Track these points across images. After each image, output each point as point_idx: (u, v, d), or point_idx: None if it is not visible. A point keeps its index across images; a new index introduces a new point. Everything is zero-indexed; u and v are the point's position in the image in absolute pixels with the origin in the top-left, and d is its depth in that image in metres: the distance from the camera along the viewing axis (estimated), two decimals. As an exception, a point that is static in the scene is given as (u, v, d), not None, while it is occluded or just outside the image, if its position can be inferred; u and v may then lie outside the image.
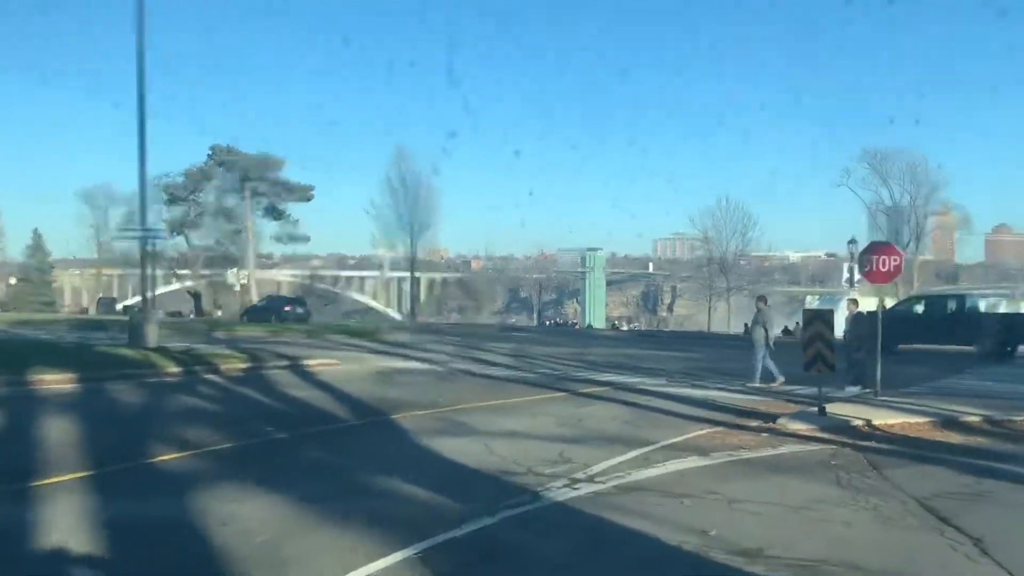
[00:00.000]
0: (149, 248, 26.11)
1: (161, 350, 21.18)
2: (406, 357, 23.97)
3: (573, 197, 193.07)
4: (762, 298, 19.39)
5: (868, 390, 15.46)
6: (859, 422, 11.76)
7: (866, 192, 53.32)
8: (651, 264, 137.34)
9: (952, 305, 28.30)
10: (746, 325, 17.37)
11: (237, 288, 71.70)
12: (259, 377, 17.79)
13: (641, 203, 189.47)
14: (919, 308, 27.86)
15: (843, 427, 11.52)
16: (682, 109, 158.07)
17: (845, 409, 12.77)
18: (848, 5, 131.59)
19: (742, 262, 59.02)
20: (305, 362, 20.63)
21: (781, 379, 16.80)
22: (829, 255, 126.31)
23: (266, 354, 21.97)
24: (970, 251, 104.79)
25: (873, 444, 10.40)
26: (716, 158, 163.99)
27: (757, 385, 16.78)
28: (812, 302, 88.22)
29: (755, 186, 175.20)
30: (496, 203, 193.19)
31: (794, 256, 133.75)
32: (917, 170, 51.07)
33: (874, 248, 15.12)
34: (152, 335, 22.71)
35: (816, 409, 12.36)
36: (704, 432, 11.15)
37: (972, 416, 12.20)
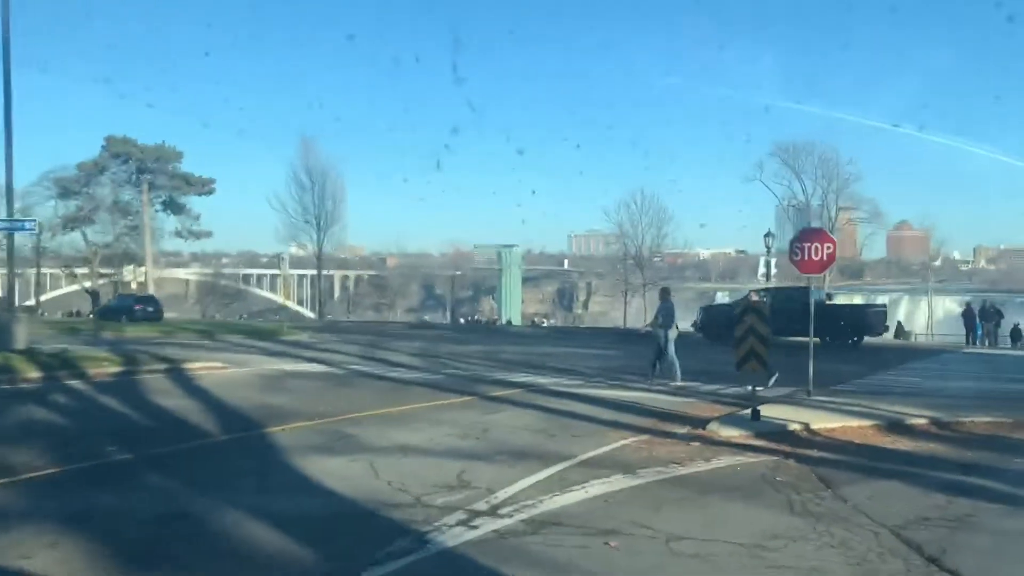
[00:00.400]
0: (36, 244, 23.75)
1: (28, 353, 19.01)
2: (303, 358, 22.06)
3: (489, 193, 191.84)
4: (666, 290, 18.29)
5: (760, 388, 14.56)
6: (797, 426, 10.55)
7: (779, 187, 53.23)
8: (566, 261, 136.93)
9: (797, 297, 28.15)
10: (657, 319, 16.23)
11: (134, 286, 67.90)
12: (130, 383, 15.76)
13: (557, 199, 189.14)
14: (767, 301, 27.62)
15: (780, 433, 10.28)
16: (596, 104, 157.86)
17: (779, 411, 11.55)
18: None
19: (655, 259, 58.45)
20: (187, 365, 18.61)
21: (680, 381, 15.77)
22: (739, 252, 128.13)
23: (146, 357, 19.88)
24: (873, 247, 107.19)
25: (817, 453, 9.16)
26: (630, 155, 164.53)
27: (680, 384, 15.57)
28: (723, 298, 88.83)
29: (668, 183, 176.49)
30: (409, 200, 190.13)
31: (705, 253, 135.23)
32: (829, 164, 51.04)
33: (805, 235, 14.01)
34: (21, 336, 20.48)
35: (748, 412, 11.09)
36: (628, 442, 9.75)
37: (917, 418, 11.13)
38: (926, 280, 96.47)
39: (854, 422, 10.85)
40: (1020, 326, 37.05)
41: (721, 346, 22.00)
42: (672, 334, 16.32)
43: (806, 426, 10.53)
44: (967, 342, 31.74)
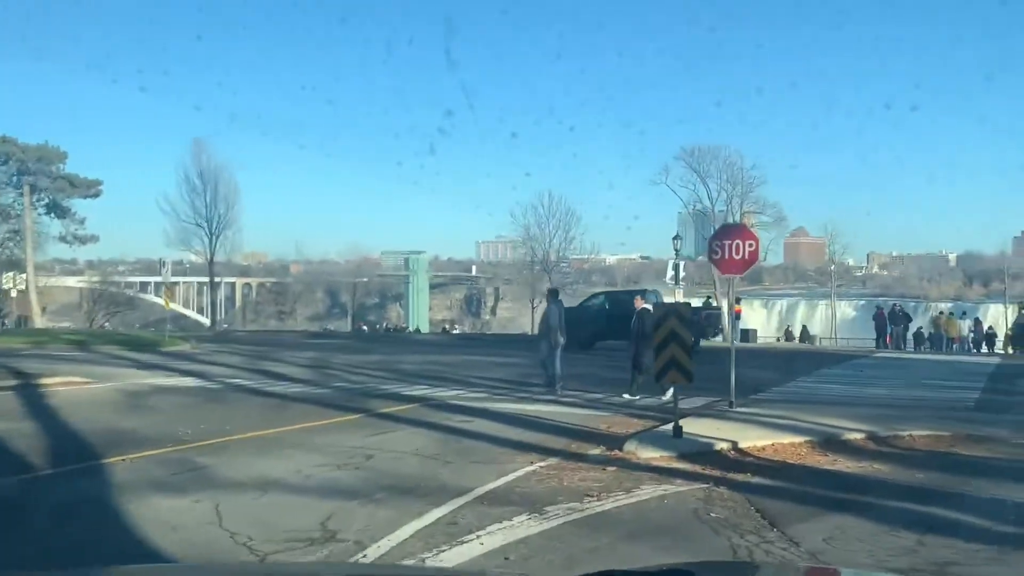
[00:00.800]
0: None
1: None
2: (180, 372, 19.99)
3: (396, 200, 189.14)
4: (553, 291, 17.07)
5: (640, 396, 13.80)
6: (724, 445, 9.36)
7: (684, 191, 52.78)
8: (474, 267, 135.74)
9: (629, 302, 27.66)
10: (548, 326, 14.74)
11: (14, 295, 63.51)
12: (-34, 403, 13.66)
13: (465, 205, 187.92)
14: (605, 305, 26.97)
15: (706, 453, 9.07)
16: (503, 110, 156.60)
17: (702, 427, 10.35)
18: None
19: (563, 265, 57.53)
20: (44, 381, 16.47)
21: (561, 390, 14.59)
22: (643, 258, 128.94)
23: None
24: (770, 253, 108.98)
25: (751, 478, 7.94)
26: (538, 163, 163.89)
27: (557, 393, 14.33)
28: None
29: (577, 189, 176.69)
30: (311, 204, 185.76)
31: (611, 259, 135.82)
32: (733, 168, 50.77)
33: (726, 233, 12.86)
34: None
35: (669, 428, 9.84)
36: (534, 468, 8.35)
37: (852, 433, 10.08)
38: (822, 285, 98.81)
39: (785, 438, 9.72)
40: (922, 329, 37.46)
41: (568, 351, 20.81)
42: (556, 340, 14.94)
43: (734, 444, 9.35)
44: (877, 346, 31.60)
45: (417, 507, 6.60)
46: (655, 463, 8.65)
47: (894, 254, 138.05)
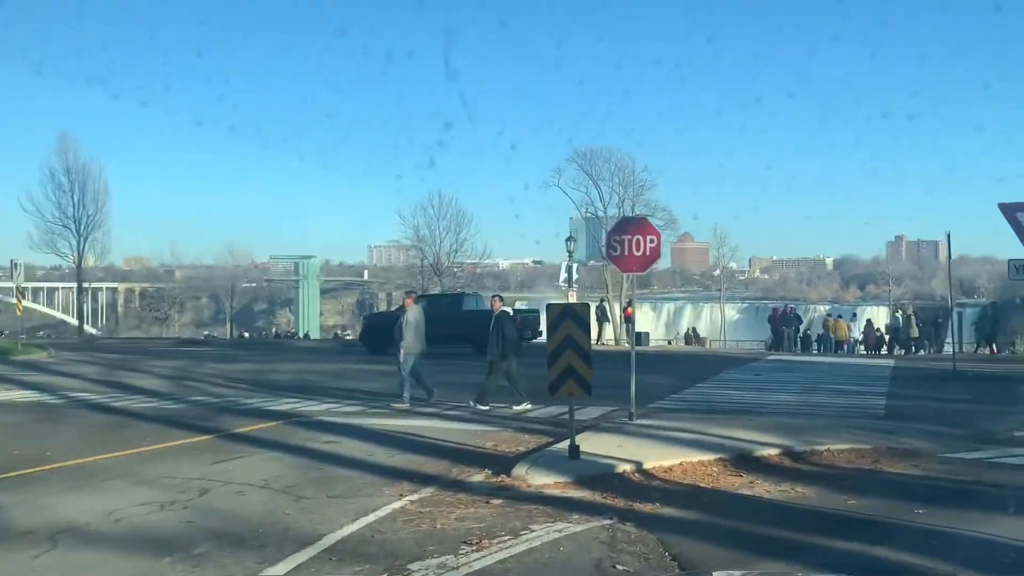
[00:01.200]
0: None
1: None
2: (21, 384, 17.72)
3: (289, 204, 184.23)
4: (411, 293, 15.82)
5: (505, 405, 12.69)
6: (627, 467, 8.16)
7: (576, 194, 52.07)
8: (366, 272, 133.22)
9: (450, 305, 26.94)
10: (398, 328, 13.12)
11: None
12: None
13: (357, 210, 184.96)
14: (424, 308, 26.38)
15: (607, 476, 7.87)
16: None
17: (600, 444, 9.16)
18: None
19: (455, 269, 56.00)
20: None
21: (406, 404, 13.07)
22: (536, 262, 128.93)
23: None
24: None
25: (660, 508, 6.76)
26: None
27: (404, 406, 12.95)
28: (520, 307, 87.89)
29: (473, 193, 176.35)
30: (188, 208, 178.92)
31: (504, 264, 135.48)
32: (625, 171, 50.34)
33: (626, 227, 11.68)
34: None
35: (564, 447, 8.60)
36: (404, 503, 6.94)
37: (765, 448, 9.05)
38: (707, 288, 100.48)
39: (693, 456, 8.60)
40: (809, 332, 37.71)
41: (384, 357, 19.58)
42: (409, 349, 13.45)
43: (638, 465, 8.17)
44: (770, 347, 31.44)
45: (246, 566, 5.13)
46: (548, 491, 7.39)
47: (774, 258, 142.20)
